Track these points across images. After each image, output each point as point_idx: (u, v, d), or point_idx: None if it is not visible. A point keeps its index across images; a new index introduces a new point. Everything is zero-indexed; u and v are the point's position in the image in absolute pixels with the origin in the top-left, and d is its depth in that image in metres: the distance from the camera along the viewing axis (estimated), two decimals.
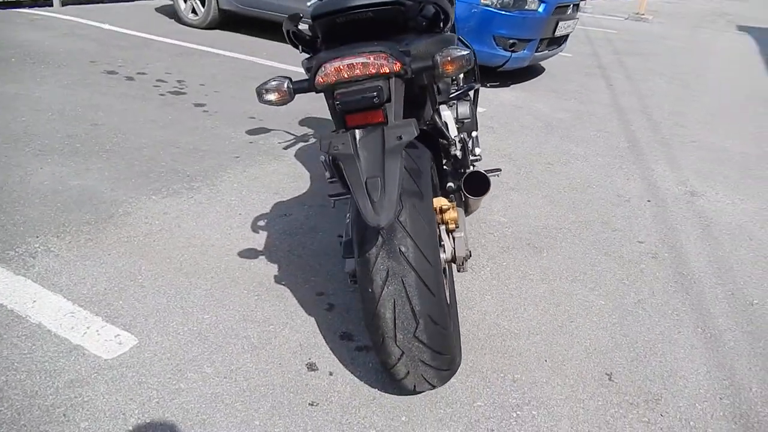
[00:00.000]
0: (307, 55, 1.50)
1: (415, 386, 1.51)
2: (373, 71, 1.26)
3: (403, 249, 1.35)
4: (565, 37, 5.33)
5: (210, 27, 6.07)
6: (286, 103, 1.38)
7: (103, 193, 2.65)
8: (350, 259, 1.63)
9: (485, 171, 1.90)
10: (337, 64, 1.27)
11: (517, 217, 2.78)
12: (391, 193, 1.26)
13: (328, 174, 1.93)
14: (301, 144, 3.41)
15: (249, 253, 2.30)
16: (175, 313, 1.93)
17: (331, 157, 1.55)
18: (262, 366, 1.74)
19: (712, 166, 3.65)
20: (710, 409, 1.71)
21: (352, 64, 1.25)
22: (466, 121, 2.17)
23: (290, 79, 1.38)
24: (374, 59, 1.26)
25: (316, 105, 4.09)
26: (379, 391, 1.67)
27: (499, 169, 2.13)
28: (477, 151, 2.11)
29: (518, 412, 1.64)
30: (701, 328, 2.08)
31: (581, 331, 2.01)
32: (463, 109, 2.16)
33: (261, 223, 2.53)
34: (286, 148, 3.34)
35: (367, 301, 1.39)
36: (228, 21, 6.20)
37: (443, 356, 1.43)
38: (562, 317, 2.08)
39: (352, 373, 1.74)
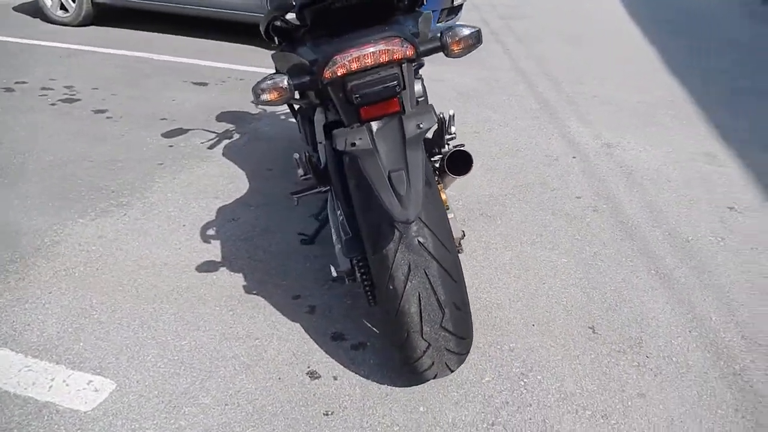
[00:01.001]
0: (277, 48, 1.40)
1: (436, 374, 1.50)
2: (387, 59, 1.20)
3: (421, 240, 1.31)
4: (460, 6, 5.43)
5: (83, 24, 5.52)
6: (286, 102, 1.29)
7: (20, 224, 2.35)
8: (344, 257, 1.58)
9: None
10: (353, 53, 1.19)
11: (463, 189, 2.82)
12: (416, 186, 1.22)
13: (301, 171, 1.83)
14: (225, 141, 3.22)
15: (208, 266, 2.15)
16: (148, 345, 1.77)
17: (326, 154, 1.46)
18: (262, 384, 1.65)
19: (617, 117, 3.90)
20: (684, 343, 1.85)
21: (369, 53, 1.18)
22: (420, 99, 2.15)
23: (288, 75, 1.29)
24: (390, 46, 1.20)
25: (230, 98, 3.88)
26: (389, 387, 1.65)
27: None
28: (452, 129, 2.10)
29: (524, 380, 1.69)
30: (654, 270, 2.24)
31: (555, 291, 2.09)
32: (418, 87, 2.14)
33: (210, 232, 2.37)
34: (210, 147, 3.14)
35: (387, 299, 1.35)
36: (103, 16, 5.68)
37: (466, 341, 1.43)
38: (534, 281, 2.15)
39: (356, 373, 1.70)
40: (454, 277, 1.35)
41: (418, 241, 1.31)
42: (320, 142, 2.01)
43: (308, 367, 1.71)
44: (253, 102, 1.34)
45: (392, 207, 1.21)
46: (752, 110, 4.07)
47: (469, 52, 1.31)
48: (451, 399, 1.61)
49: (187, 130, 3.32)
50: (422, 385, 1.64)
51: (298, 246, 2.30)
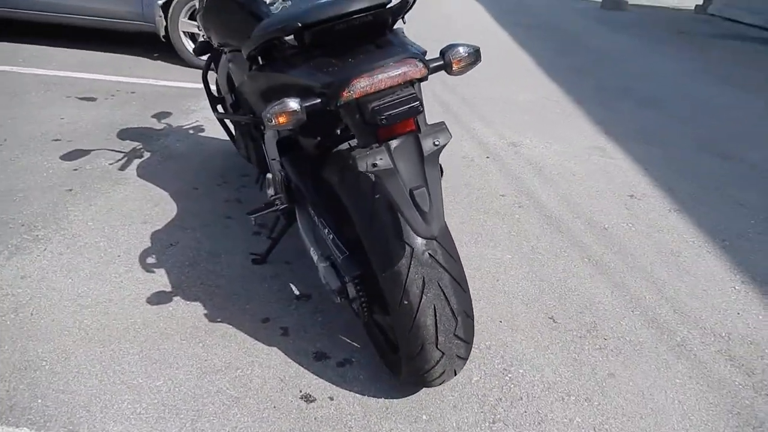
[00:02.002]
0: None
1: (444, 380, 1.53)
2: (405, 80, 1.20)
3: (432, 253, 1.34)
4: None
5: None
6: (299, 124, 1.24)
7: None
8: (335, 276, 1.56)
9: None
10: (378, 76, 1.17)
11: None
12: (437, 202, 1.25)
13: (272, 191, 1.77)
14: (136, 161, 2.99)
15: (160, 298, 2.00)
16: (120, 391, 1.61)
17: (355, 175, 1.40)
18: (258, 415, 1.58)
19: (513, 117, 4.19)
20: (631, 322, 2.06)
21: (392, 76, 1.18)
22: None
23: (300, 98, 1.24)
24: (410, 67, 1.20)
25: (126, 113, 3.60)
26: (387, 400, 1.65)
27: None
28: None
29: (509, 375, 1.78)
30: (586, 258, 2.45)
31: (509, 286, 2.22)
32: None
33: (150, 260, 2.20)
34: (122, 169, 2.90)
35: (402, 315, 1.36)
36: None
37: (470, 345, 1.48)
38: (489, 278, 2.26)
39: (350, 391, 1.68)
40: (463, 286, 1.39)
41: (429, 255, 1.34)
42: (273, 159, 1.96)
43: (300, 391, 1.67)
44: (264, 127, 1.29)
45: (416, 224, 1.23)
46: (619, 106, 4.58)
47: (469, 69, 1.35)
48: (449, 403, 1.66)
49: (89, 150, 3.04)
50: (417, 393, 1.67)
51: (250, 267, 2.21)
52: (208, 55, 2.42)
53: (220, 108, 2.55)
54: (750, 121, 4.48)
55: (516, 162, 3.40)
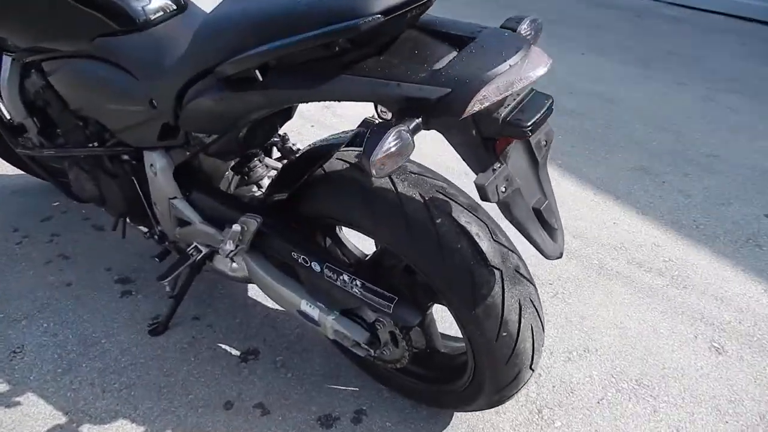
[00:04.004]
0: None
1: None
2: (540, 76, 0.89)
3: (516, 268, 1.12)
4: None
5: None
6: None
7: None
8: (359, 325, 1.25)
9: None
10: (514, 78, 0.83)
11: None
12: (558, 214, 1.02)
13: (230, 246, 1.30)
14: None
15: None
16: None
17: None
18: None
19: None
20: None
21: (528, 75, 0.85)
22: None
23: (398, 125, 0.84)
24: (540, 58, 0.89)
25: None
26: (414, 412, 1.42)
27: None
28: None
29: None
30: None
31: None
32: None
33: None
34: None
35: (499, 349, 1.13)
36: None
37: None
38: None
39: (371, 406, 1.40)
40: (538, 290, 1.22)
41: (516, 271, 1.12)
42: (174, 198, 1.44)
43: (317, 415, 1.32)
44: (373, 175, 0.85)
45: (546, 246, 1.00)
46: None
47: None
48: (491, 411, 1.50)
49: None
50: (457, 414, 1.48)
51: (152, 342, 1.65)
52: None
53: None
54: None
55: None
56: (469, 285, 1.08)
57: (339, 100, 0.97)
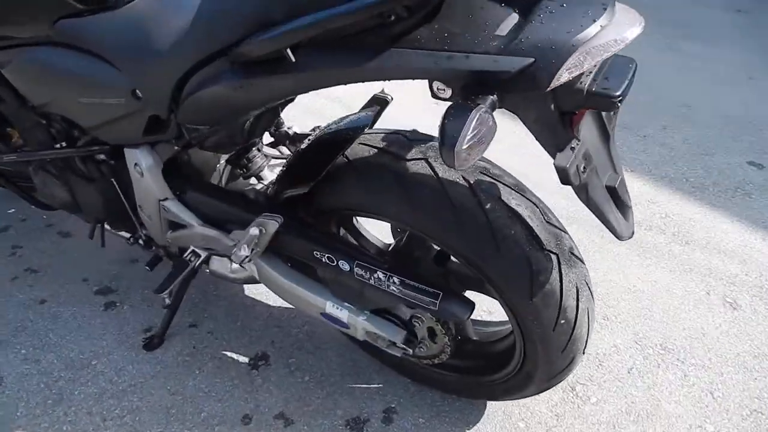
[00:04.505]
0: None
1: None
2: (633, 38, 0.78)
3: (571, 250, 1.04)
4: None
5: None
6: None
7: None
8: (393, 325, 1.15)
9: None
10: (602, 40, 0.71)
11: None
12: (627, 189, 0.93)
13: (244, 251, 1.16)
14: None
15: None
16: None
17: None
18: None
19: None
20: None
21: (624, 37, 0.73)
22: None
23: (478, 105, 0.71)
24: (631, 15, 0.77)
25: None
26: (445, 405, 1.36)
27: None
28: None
29: None
30: None
31: None
32: None
33: None
34: None
35: (557, 337, 1.05)
36: None
37: None
38: None
39: (399, 403, 1.32)
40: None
41: (571, 253, 1.04)
42: (165, 199, 1.28)
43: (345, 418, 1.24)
44: (455, 168, 0.72)
45: (619, 226, 0.91)
46: None
47: None
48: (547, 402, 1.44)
49: None
50: (493, 404, 1.41)
51: (149, 359, 1.50)
52: None
53: None
54: None
55: None
56: (526, 273, 0.99)
57: (389, 79, 0.83)
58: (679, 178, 2.27)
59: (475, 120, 0.71)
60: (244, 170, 1.34)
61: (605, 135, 0.90)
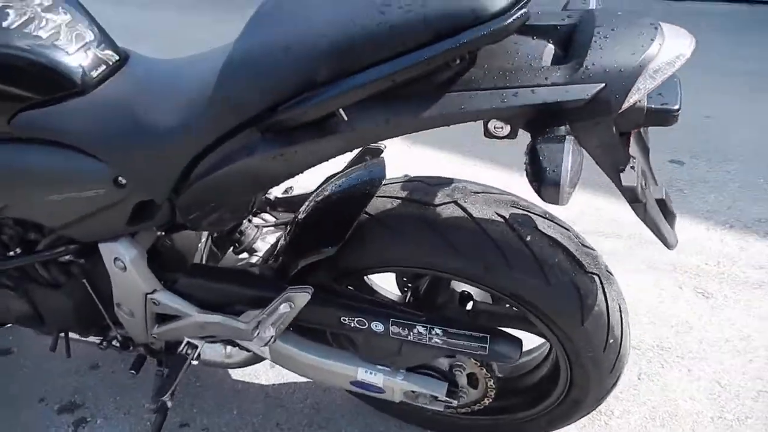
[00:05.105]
0: None
1: None
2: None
3: (605, 267, 1.04)
4: None
5: None
6: None
7: None
8: (433, 379, 1.10)
9: None
10: (664, 59, 0.70)
11: None
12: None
13: (270, 332, 1.05)
14: None
15: None
16: None
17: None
18: None
19: None
20: None
21: (678, 55, 0.73)
22: None
23: (565, 137, 0.68)
24: (685, 32, 0.77)
25: None
26: None
27: None
28: None
29: None
30: None
31: None
32: None
33: None
34: None
35: (606, 359, 1.04)
36: None
37: None
38: None
39: None
40: None
41: (608, 271, 1.04)
42: (153, 291, 1.15)
43: None
44: (555, 203, 0.68)
45: (670, 236, 0.91)
46: None
47: None
48: None
49: None
50: None
51: None
52: None
53: None
54: None
55: None
56: (575, 299, 0.97)
57: (448, 124, 0.79)
58: (609, 183, 2.40)
59: (571, 152, 0.70)
60: (236, 245, 1.24)
61: (645, 149, 0.92)
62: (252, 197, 0.99)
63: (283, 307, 1.01)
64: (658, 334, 1.64)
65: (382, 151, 1.20)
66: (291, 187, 1.44)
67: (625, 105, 0.72)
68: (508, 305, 1.12)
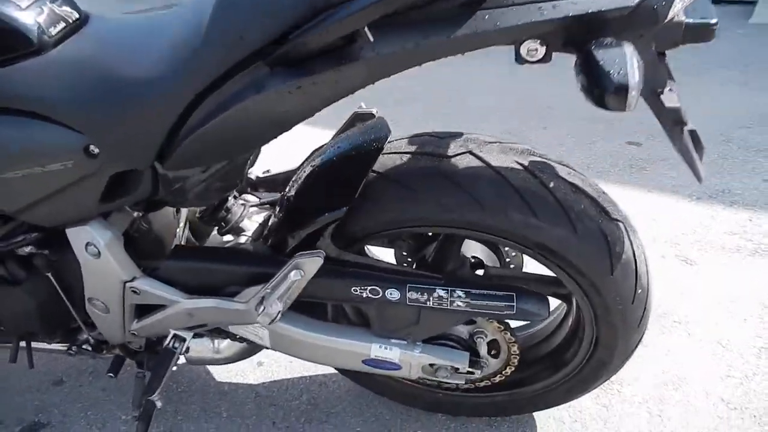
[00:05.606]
0: None
1: None
2: None
3: (626, 216, 0.99)
4: None
5: None
6: None
7: None
8: (455, 350, 1.03)
9: None
10: None
11: None
12: None
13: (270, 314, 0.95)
14: None
15: None
16: None
17: None
18: None
19: None
20: None
21: None
22: None
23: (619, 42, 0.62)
24: None
25: None
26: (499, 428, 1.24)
27: None
28: None
29: None
30: None
31: None
32: None
33: None
34: None
35: (636, 309, 0.99)
36: None
37: None
38: None
39: None
40: None
41: (625, 215, 0.99)
42: (133, 279, 1.02)
43: None
44: (622, 109, 0.60)
45: (700, 167, 0.86)
46: None
47: None
48: None
49: None
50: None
51: None
52: None
53: None
54: None
55: None
56: (604, 247, 0.92)
57: (482, 46, 0.72)
58: (580, 165, 2.41)
59: (633, 54, 0.64)
60: (222, 224, 1.12)
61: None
62: (255, 148, 0.89)
63: (294, 275, 0.90)
64: (656, 301, 1.62)
65: (374, 116, 1.12)
66: (269, 170, 1.34)
67: (671, 14, 0.68)
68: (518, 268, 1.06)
